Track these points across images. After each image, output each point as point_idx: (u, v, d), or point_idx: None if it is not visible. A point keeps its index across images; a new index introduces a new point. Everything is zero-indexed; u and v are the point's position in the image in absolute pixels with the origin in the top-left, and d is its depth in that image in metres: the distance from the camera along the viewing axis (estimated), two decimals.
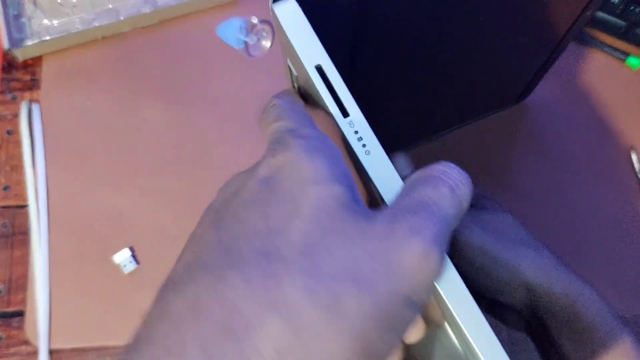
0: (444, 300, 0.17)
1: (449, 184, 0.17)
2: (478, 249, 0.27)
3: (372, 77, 0.33)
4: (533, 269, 0.27)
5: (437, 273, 0.16)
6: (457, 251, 0.27)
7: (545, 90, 0.49)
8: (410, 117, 0.43)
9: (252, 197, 0.17)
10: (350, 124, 0.19)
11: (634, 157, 0.48)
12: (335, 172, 0.16)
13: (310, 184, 0.16)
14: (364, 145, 0.19)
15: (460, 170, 0.18)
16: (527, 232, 0.29)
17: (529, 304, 0.28)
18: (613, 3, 0.50)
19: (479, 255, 0.27)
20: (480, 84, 0.42)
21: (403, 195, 0.17)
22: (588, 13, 0.36)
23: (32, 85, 0.50)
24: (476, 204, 0.31)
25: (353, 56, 0.29)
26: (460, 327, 0.17)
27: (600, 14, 0.51)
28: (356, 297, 0.14)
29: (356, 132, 0.19)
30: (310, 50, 0.20)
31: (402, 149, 0.47)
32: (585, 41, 0.52)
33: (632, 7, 0.50)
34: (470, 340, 0.17)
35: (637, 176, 0.48)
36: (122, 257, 0.44)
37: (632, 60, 0.51)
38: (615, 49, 0.51)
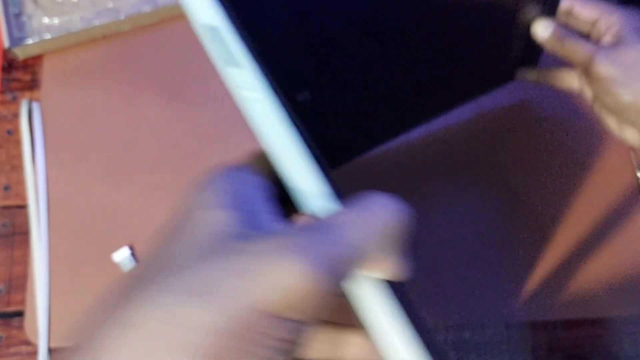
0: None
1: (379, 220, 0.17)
2: None
3: (341, 66, 0.30)
4: None
5: (317, 293, 0.16)
6: None
7: (544, 90, 0.49)
8: (390, 106, 0.39)
9: (167, 229, 0.18)
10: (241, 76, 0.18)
11: (633, 157, 0.48)
12: (224, 200, 0.18)
13: (197, 210, 0.18)
14: (251, 95, 0.19)
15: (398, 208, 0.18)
16: None
17: None
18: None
19: None
20: (463, 58, 0.38)
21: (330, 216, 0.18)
22: None
23: (32, 85, 0.50)
24: None
25: (317, 46, 0.27)
26: None
27: None
28: (197, 309, 0.15)
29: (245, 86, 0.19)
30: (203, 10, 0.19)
31: (388, 140, 0.44)
32: None
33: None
34: None
35: (637, 176, 0.48)
36: (122, 255, 0.44)
37: None
38: None
